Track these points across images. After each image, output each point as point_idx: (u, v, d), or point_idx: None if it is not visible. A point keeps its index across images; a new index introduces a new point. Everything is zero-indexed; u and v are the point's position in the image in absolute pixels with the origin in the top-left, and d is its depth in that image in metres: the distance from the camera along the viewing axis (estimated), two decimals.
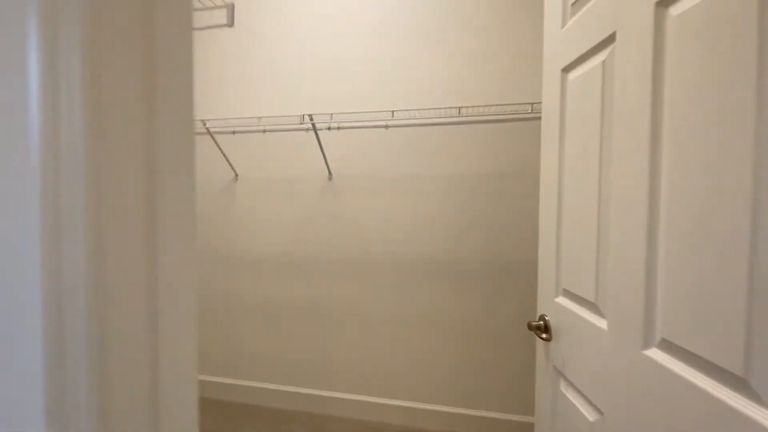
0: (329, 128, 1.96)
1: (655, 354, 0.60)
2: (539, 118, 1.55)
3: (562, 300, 0.90)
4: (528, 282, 1.77)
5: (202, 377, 2.21)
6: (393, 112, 1.64)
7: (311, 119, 1.69)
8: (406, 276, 1.92)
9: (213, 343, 2.21)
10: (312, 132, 1.92)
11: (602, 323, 0.73)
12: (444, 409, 1.88)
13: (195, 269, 0.42)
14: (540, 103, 1.01)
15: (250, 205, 2.11)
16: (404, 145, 1.88)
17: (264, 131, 2.06)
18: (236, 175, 2.12)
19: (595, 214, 0.76)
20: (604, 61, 0.74)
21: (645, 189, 0.61)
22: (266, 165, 2.07)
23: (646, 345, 0.62)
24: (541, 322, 0.96)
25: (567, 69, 0.88)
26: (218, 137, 2.12)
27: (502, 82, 1.75)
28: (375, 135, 1.91)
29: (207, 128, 1.89)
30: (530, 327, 0.96)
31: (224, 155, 2.01)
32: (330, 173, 1.97)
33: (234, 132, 2.10)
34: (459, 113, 1.62)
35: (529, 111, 1.64)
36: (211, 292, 2.19)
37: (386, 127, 1.89)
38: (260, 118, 1.85)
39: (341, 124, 1.93)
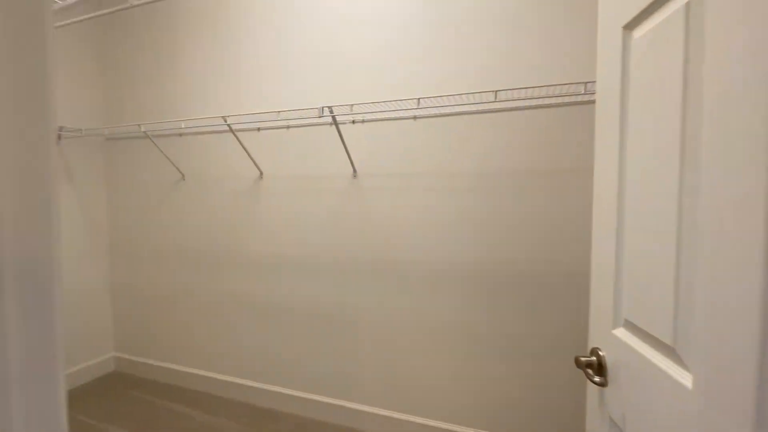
0: (353, 122, 1.81)
1: None
2: (594, 101, 1.29)
3: (622, 333, 0.68)
4: (578, 297, 1.51)
5: (225, 377, 2.18)
6: (419, 99, 1.45)
7: (331, 111, 1.56)
8: (435, 281, 1.73)
9: (233, 343, 2.16)
10: (334, 126, 1.79)
11: (685, 378, 0.51)
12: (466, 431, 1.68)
13: None
14: (595, 82, 0.78)
15: (273, 205, 2.03)
16: (434, 138, 1.69)
17: (288, 127, 1.96)
18: (261, 173, 2.04)
19: (674, 221, 0.54)
20: (688, 3, 0.52)
21: (763, 185, 0.39)
22: (290, 162, 1.97)
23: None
24: (594, 359, 0.74)
25: (631, 25, 0.66)
26: (242, 135, 2.05)
27: (550, 59, 1.50)
28: (402, 128, 1.74)
29: (229, 125, 1.82)
30: (579, 364, 0.74)
31: (248, 153, 1.94)
32: (354, 170, 1.83)
33: (259, 129, 2.03)
34: (495, 98, 1.40)
35: (582, 92, 1.38)
36: (233, 291, 2.15)
37: (414, 118, 1.71)
38: (279, 112, 1.75)
39: (365, 117, 1.78)
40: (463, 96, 1.51)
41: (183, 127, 1.79)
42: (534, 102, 1.50)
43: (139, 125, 1.93)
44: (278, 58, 1.94)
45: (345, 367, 1.92)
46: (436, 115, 1.67)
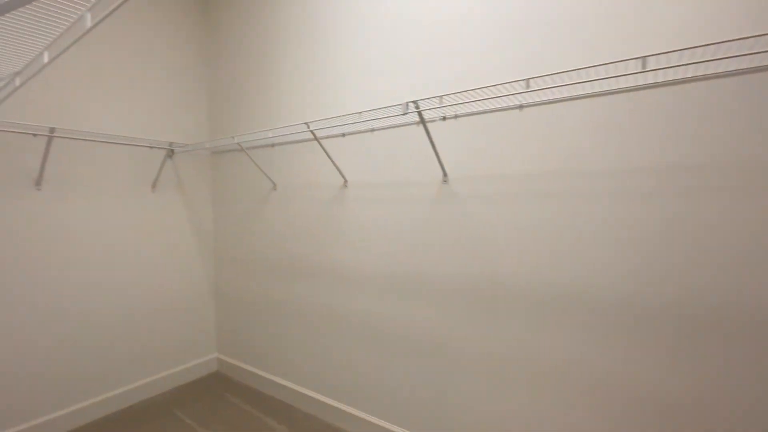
0: (443, 118, 1.55)
1: None
2: None
3: None
4: None
5: (311, 393, 2.08)
6: (528, 80, 1.12)
7: (417, 107, 1.32)
8: (549, 312, 1.35)
9: (321, 358, 2.05)
10: (422, 125, 1.55)
11: None
12: None
13: None
14: None
15: (358, 214, 1.87)
16: (549, 130, 1.33)
17: (372, 130, 1.79)
18: (345, 180, 1.91)
19: None
20: None
21: None
22: (374, 168, 1.80)
23: None
24: None
25: None
26: (326, 142, 1.95)
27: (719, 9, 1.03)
28: (503, 121, 1.41)
29: (312, 132, 1.72)
30: None
31: (331, 159, 1.82)
32: (445, 174, 1.56)
33: (344, 135, 1.91)
34: (643, 66, 0.99)
35: None
36: (321, 303, 2.04)
37: (519, 107, 1.37)
38: (360, 113, 1.58)
39: (457, 112, 1.50)
40: (599, 69, 1.12)
41: (271, 136, 1.77)
42: (721, 66, 1.04)
43: (232, 137, 1.97)
44: (362, 57, 1.79)
45: (436, 401, 1.65)
46: (552, 101, 1.31)
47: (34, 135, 1.82)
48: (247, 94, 2.34)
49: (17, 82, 1.21)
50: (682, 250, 1.13)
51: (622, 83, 1.19)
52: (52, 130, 1.70)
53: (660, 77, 1.14)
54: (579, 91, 1.24)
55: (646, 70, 1.01)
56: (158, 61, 2.31)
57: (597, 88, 1.22)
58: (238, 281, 2.51)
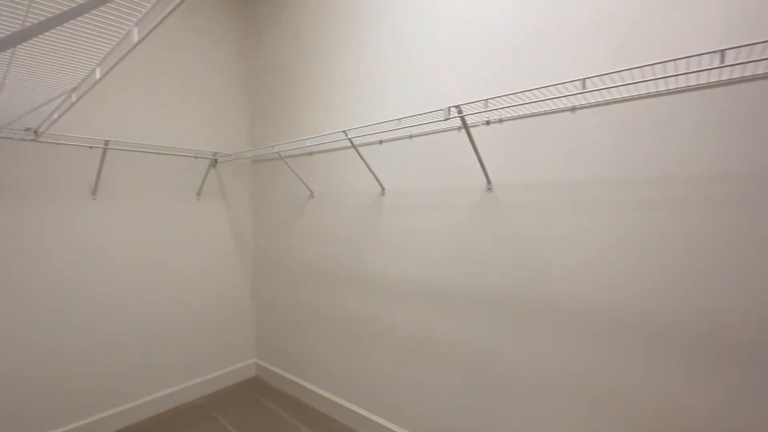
0: (487, 122, 1.47)
1: None
2: None
3: None
4: None
5: (348, 405, 2.04)
6: (584, 80, 1.03)
7: (459, 111, 1.26)
8: (609, 335, 1.23)
9: (357, 369, 2.01)
10: (464, 131, 1.48)
11: None
12: None
13: None
14: None
15: (395, 223, 1.82)
16: (603, 134, 1.22)
17: (411, 136, 1.74)
18: (382, 188, 1.87)
19: None
20: None
21: None
22: (413, 176, 1.74)
23: None
24: None
25: None
26: (364, 150, 1.92)
27: None
28: (554, 124, 1.31)
29: (350, 139, 1.69)
30: None
31: (368, 167, 1.78)
32: (489, 181, 1.48)
33: (381, 142, 1.87)
34: (722, 61, 0.87)
35: None
36: (358, 313, 2.01)
37: (572, 109, 1.27)
38: (399, 119, 1.53)
39: (502, 116, 1.42)
40: (666, 65, 1.01)
41: (309, 144, 1.77)
42: None
43: (272, 146, 1.99)
44: (400, 62, 1.75)
45: (480, 420, 1.55)
46: (609, 102, 1.20)
47: (90, 147, 1.93)
48: (286, 104, 2.37)
49: (73, 97, 1.27)
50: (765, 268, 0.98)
51: (693, 81, 1.06)
52: (106, 142, 1.79)
53: (737, 72, 1.01)
54: (642, 90, 1.12)
55: (724, 65, 0.89)
56: (202, 75, 2.39)
57: (662, 86, 1.10)
58: (276, 288, 2.53)
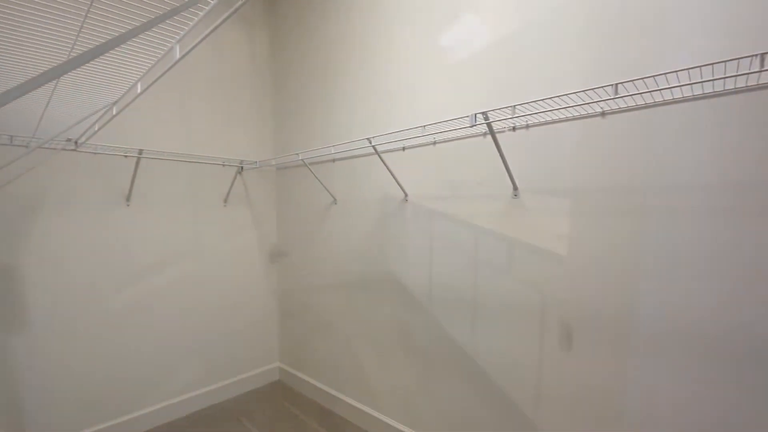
0: (513, 128, 1.47)
1: None
2: None
3: None
4: None
5: (370, 411, 2.04)
6: (617, 85, 1.02)
7: (486, 118, 1.26)
8: (641, 346, 1.20)
9: (379, 376, 2.01)
10: (489, 136, 1.48)
11: None
12: None
13: None
14: None
15: (418, 229, 1.83)
16: (634, 140, 1.19)
17: (434, 143, 1.75)
18: (405, 195, 1.88)
19: None
20: None
21: None
22: (436, 181, 1.75)
23: None
24: None
25: None
26: (387, 156, 1.94)
27: None
28: (583, 129, 1.30)
29: (374, 146, 1.71)
30: None
31: (391, 173, 1.80)
32: (515, 187, 1.47)
33: (404, 148, 1.88)
34: (761, 65, 0.85)
35: None
36: (381, 321, 2.01)
37: (602, 114, 1.25)
38: (424, 126, 1.54)
39: (529, 121, 1.41)
40: (702, 69, 0.98)
41: (333, 152, 1.80)
42: None
43: (297, 153, 2.03)
44: (422, 69, 1.76)
45: None
46: (641, 107, 1.18)
47: (125, 156, 2.01)
48: (310, 111, 2.41)
49: (114, 110, 1.34)
50: None
51: (729, 85, 1.04)
52: (140, 151, 1.86)
53: None
54: (677, 94, 1.10)
55: (764, 69, 0.87)
56: (230, 86, 2.46)
57: (698, 90, 1.07)
58: (299, 293, 2.57)
